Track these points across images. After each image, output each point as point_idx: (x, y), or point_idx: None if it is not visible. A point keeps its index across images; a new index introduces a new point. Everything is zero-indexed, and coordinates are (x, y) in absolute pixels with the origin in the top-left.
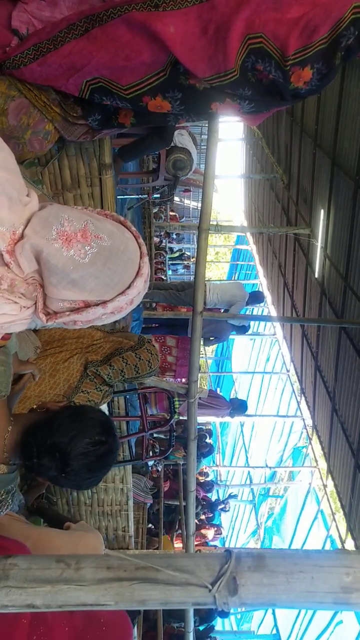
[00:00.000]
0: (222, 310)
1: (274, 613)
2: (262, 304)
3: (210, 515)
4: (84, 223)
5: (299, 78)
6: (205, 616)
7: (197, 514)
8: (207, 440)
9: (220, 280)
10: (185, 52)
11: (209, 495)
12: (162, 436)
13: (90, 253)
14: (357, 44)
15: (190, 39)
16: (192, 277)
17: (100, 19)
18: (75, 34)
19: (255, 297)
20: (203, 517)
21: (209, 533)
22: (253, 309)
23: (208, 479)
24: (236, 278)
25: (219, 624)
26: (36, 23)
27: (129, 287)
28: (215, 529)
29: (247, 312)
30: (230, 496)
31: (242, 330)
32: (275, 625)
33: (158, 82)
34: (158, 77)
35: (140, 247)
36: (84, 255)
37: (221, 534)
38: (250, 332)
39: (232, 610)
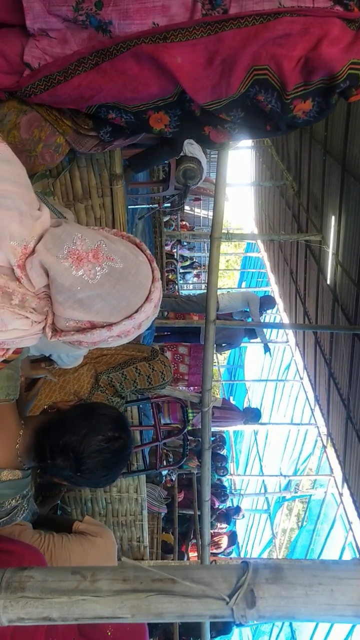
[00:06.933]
0: (232, 315)
1: (290, 625)
2: (273, 310)
3: (225, 526)
4: (98, 243)
5: (300, 109)
6: (222, 629)
7: (212, 524)
8: (222, 463)
9: (230, 288)
10: (191, 81)
11: (223, 505)
12: (175, 449)
13: (100, 274)
14: (348, 92)
15: (196, 68)
16: (203, 286)
17: (110, 53)
18: (85, 67)
19: (267, 302)
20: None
21: (223, 540)
22: (265, 316)
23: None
24: (247, 286)
25: (235, 634)
26: (48, 58)
27: (136, 311)
28: (231, 537)
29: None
30: (236, 508)
31: (255, 334)
32: (293, 636)
33: (164, 104)
34: (165, 101)
35: (153, 272)
36: (93, 276)
37: (235, 542)
38: None
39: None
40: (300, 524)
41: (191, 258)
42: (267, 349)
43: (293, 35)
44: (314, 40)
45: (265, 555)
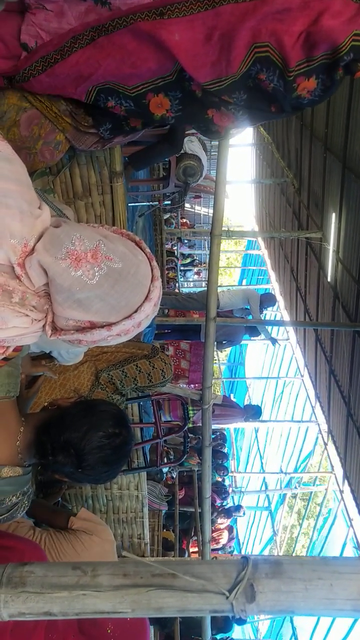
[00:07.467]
0: (233, 313)
1: (291, 620)
2: (274, 307)
3: (225, 522)
4: (96, 243)
5: (304, 88)
6: (223, 627)
7: (213, 521)
8: (223, 461)
9: (230, 286)
10: (189, 58)
11: (224, 503)
12: (176, 447)
13: (98, 274)
14: (353, 66)
15: (194, 45)
16: (203, 284)
17: (106, 29)
18: (82, 44)
19: (268, 300)
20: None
21: (223, 535)
22: (266, 313)
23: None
24: (247, 283)
25: (237, 631)
26: (44, 35)
27: (136, 311)
28: (229, 530)
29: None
30: (237, 506)
31: (255, 331)
32: (294, 633)
33: (163, 83)
34: (164, 80)
35: (152, 271)
36: (92, 276)
37: (234, 537)
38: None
39: (248, 619)
40: (300, 520)
41: (191, 256)
42: (274, 340)
43: (293, 9)
44: (314, 14)
45: (266, 553)
